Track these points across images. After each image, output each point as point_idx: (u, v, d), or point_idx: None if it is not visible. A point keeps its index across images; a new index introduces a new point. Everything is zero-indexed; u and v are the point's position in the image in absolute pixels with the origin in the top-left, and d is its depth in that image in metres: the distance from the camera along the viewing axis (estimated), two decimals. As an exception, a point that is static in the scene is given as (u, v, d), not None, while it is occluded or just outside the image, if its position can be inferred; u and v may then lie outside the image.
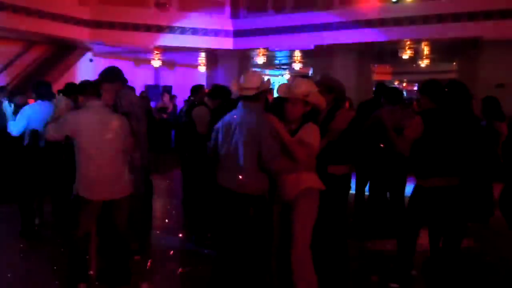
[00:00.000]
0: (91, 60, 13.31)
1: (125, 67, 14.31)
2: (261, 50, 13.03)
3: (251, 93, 3.10)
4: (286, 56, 14.55)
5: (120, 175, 3.48)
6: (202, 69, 15.71)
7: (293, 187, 3.09)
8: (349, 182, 3.67)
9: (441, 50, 12.86)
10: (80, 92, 3.70)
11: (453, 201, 3.62)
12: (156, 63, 14.46)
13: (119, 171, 3.47)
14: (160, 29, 12.22)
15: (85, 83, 3.97)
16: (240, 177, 3.06)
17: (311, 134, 3.07)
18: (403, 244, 3.77)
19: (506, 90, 8.66)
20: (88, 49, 13.09)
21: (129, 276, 3.59)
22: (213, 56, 14.00)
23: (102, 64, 12.49)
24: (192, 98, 6.16)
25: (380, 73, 18.69)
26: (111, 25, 11.83)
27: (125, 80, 4.01)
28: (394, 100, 4.94)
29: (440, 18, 10.20)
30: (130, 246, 3.73)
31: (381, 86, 5.72)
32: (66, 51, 12.82)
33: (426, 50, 12.82)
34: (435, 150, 3.54)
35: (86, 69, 12.78)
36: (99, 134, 3.39)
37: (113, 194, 3.48)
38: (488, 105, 4.57)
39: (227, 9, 13.26)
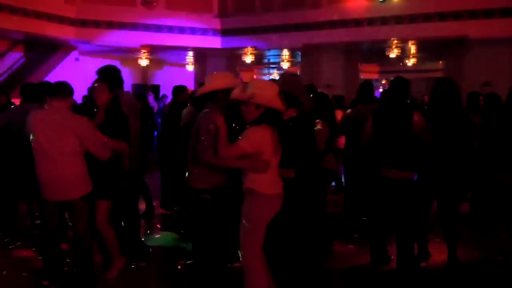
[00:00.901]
0: (77, 59, 13.15)
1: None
2: (249, 49, 13.01)
3: (200, 93, 3.27)
4: (274, 55, 14.56)
5: (73, 176, 3.36)
6: (190, 68, 15.65)
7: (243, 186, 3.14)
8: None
9: (427, 49, 12.98)
10: (47, 93, 3.65)
11: (404, 195, 3.72)
12: (143, 62, 14.35)
13: (72, 172, 3.35)
14: (146, 28, 12.13)
15: (50, 84, 3.90)
16: (195, 171, 3.21)
17: (246, 136, 2.98)
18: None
19: (492, 89, 8.74)
20: (73, 48, 12.94)
21: (90, 282, 3.50)
22: (201, 55, 13.94)
23: (88, 63, 12.39)
24: (175, 98, 6.15)
25: (367, 72, 18.81)
26: (97, 24, 11.71)
27: (119, 80, 3.95)
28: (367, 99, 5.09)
29: (427, 17, 10.29)
30: (90, 250, 3.55)
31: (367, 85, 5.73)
32: (51, 50, 12.66)
33: (412, 49, 12.94)
34: (385, 143, 3.78)
35: (72, 68, 12.63)
36: (49, 135, 3.33)
37: (65, 195, 3.39)
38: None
39: (215, 8, 13.22)
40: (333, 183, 6.62)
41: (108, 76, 3.83)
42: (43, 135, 3.34)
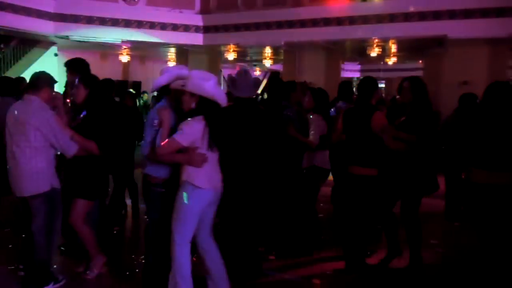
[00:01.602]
0: (56, 55, 12.92)
1: (91, 61, 14.07)
2: (231, 46, 12.98)
3: (154, 88, 3.36)
4: (257, 52, 14.56)
5: (28, 172, 3.27)
6: (172, 64, 15.54)
7: None
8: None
9: (407, 48, 13.16)
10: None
11: (366, 191, 3.86)
12: (124, 58, 14.19)
13: (27, 167, 3.26)
14: (128, 24, 11.98)
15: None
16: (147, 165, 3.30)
17: (181, 130, 2.98)
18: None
19: (469, 87, 8.92)
20: (52, 43, 12.70)
21: (42, 279, 3.45)
22: (183, 51, 13.86)
23: (67, 58, 12.14)
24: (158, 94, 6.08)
25: (349, 70, 18.97)
26: (76, 19, 11.52)
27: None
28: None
29: (407, 17, 10.42)
30: (42, 247, 3.45)
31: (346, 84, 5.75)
32: (29, 45, 12.41)
33: (393, 48, 13.09)
34: (349, 141, 4.00)
35: (51, 64, 12.39)
36: (11, 128, 3.30)
37: (19, 191, 3.34)
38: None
39: (197, 5, 13.14)
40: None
41: (80, 70, 3.82)
42: (8, 128, 3.31)
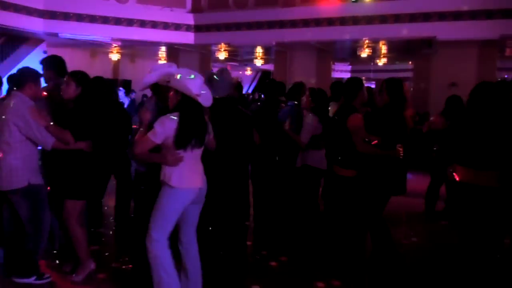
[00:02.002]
0: (45, 52, 12.79)
1: (81, 59, 14.00)
2: (222, 46, 12.96)
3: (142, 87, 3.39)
4: (248, 52, 14.56)
5: (4, 168, 3.30)
6: (163, 63, 15.48)
7: None
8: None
9: (397, 49, 13.25)
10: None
11: (347, 191, 3.95)
12: (114, 56, 14.10)
13: (2, 164, 3.31)
14: (118, 22, 11.90)
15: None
16: None
17: (153, 127, 2.94)
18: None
19: (458, 89, 9.01)
20: (41, 41, 12.58)
21: (25, 270, 3.46)
22: (174, 50, 13.80)
23: (56, 56, 12.04)
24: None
25: (339, 70, 19.04)
26: (66, 16, 11.42)
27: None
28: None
29: (397, 18, 10.49)
30: (31, 236, 3.48)
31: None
32: (17, 42, 12.27)
33: (383, 49, 13.17)
34: (331, 141, 4.14)
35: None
36: None
37: (1, 185, 3.37)
38: None
39: (188, 3, 13.10)
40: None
41: (54, 67, 3.84)
42: None
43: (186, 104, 2.96)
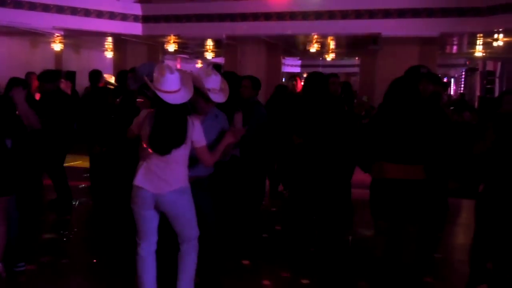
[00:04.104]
0: (-20, 40, 12.01)
1: (20, 48, 13.25)
2: (172, 37, 12.73)
3: None
4: (198, 44, 14.39)
5: None
6: (109, 54, 14.99)
7: None
8: None
9: (345, 45, 13.58)
10: None
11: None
12: (57, 46, 13.48)
13: None
14: (60, 10, 11.32)
15: None
16: None
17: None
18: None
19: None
20: (-24, 28, 11.78)
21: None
22: (121, 41, 13.37)
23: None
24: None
25: (289, 65, 19.26)
26: (3, 2, 10.72)
27: None
28: None
29: (344, 15, 10.74)
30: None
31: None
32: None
33: (331, 44, 13.45)
34: None
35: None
36: None
37: None
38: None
39: (136, -7, 12.72)
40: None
41: None
42: None
43: (156, 101, 2.89)
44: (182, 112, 2.90)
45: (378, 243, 3.36)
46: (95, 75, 6.70)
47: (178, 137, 2.87)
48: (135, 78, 3.70)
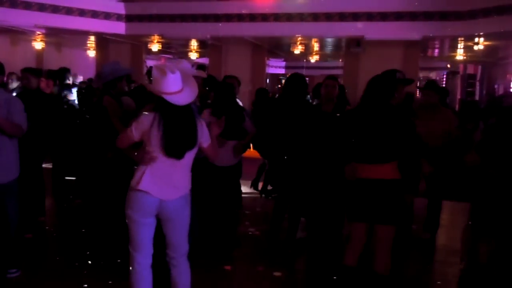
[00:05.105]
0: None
1: (0, 46, 12.98)
2: (155, 37, 12.63)
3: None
4: (182, 44, 14.30)
5: None
6: (92, 53, 14.81)
7: None
8: None
9: (329, 47, 13.66)
10: None
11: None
12: (38, 44, 13.27)
13: None
14: (42, 8, 11.14)
15: None
16: None
17: (134, 122, 2.83)
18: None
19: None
20: (-47, 25, 11.51)
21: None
22: (103, 40, 13.22)
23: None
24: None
25: (273, 66, 19.29)
26: (-18, 0, 10.52)
27: None
28: None
29: (328, 17, 10.80)
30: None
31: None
32: None
33: (315, 46, 13.52)
34: None
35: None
36: None
37: None
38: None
39: (119, -8, 12.57)
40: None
41: None
42: None
43: (159, 104, 2.73)
44: (190, 112, 2.81)
45: (351, 250, 3.30)
46: (63, 73, 6.72)
47: (192, 139, 2.79)
48: (99, 77, 3.67)
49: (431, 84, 5.09)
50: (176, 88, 2.72)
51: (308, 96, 8.30)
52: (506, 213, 3.49)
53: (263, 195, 6.73)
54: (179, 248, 2.91)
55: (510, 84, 11.77)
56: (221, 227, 4.47)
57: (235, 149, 4.31)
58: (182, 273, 2.93)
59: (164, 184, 2.78)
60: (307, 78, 17.64)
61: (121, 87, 4.27)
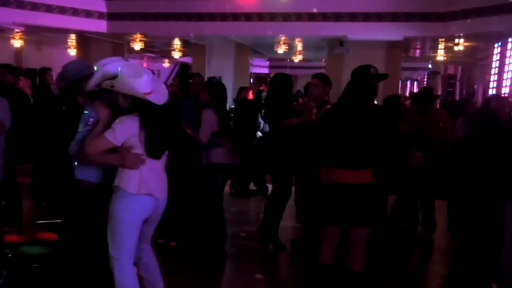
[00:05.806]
0: None
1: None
2: (138, 36, 12.50)
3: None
4: (165, 43, 14.20)
5: None
6: (73, 52, 14.60)
7: None
8: None
9: (312, 47, 13.71)
10: None
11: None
12: (17, 42, 13.01)
13: None
14: (21, 5, 10.90)
15: None
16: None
17: (112, 127, 2.73)
18: None
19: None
20: None
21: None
22: (84, 38, 13.03)
23: None
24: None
25: (257, 66, 19.29)
26: (-43, -4, 10.27)
27: None
28: None
29: (311, 17, 10.84)
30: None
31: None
32: None
33: (299, 46, 13.56)
34: None
35: None
36: None
37: None
38: None
39: (101, -11, 12.40)
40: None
41: None
42: None
43: (139, 105, 2.69)
44: (167, 111, 2.85)
45: (325, 249, 3.28)
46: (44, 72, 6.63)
47: (171, 138, 2.87)
48: (62, 77, 3.57)
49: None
50: (151, 88, 2.72)
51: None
52: (472, 210, 3.57)
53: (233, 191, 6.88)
54: (149, 239, 3.00)
55: (489, 85, 11.98)
56: (208, 227, 4.42)
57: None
58: (151, 255, 3.00)
59: (157, 184, 2.82)
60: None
61: (85, 86, 4.12)
